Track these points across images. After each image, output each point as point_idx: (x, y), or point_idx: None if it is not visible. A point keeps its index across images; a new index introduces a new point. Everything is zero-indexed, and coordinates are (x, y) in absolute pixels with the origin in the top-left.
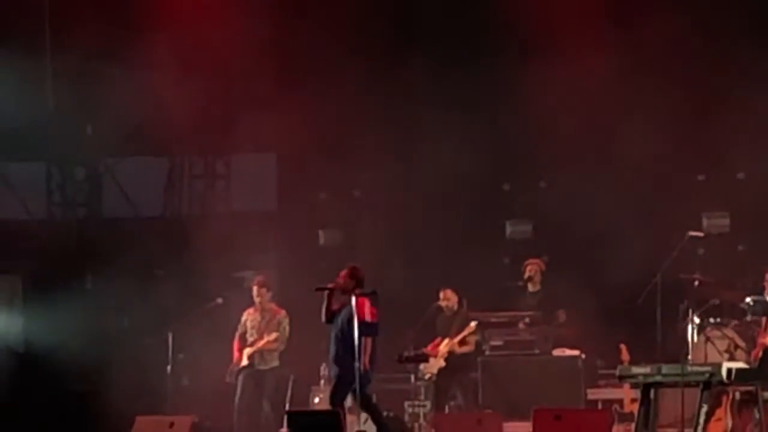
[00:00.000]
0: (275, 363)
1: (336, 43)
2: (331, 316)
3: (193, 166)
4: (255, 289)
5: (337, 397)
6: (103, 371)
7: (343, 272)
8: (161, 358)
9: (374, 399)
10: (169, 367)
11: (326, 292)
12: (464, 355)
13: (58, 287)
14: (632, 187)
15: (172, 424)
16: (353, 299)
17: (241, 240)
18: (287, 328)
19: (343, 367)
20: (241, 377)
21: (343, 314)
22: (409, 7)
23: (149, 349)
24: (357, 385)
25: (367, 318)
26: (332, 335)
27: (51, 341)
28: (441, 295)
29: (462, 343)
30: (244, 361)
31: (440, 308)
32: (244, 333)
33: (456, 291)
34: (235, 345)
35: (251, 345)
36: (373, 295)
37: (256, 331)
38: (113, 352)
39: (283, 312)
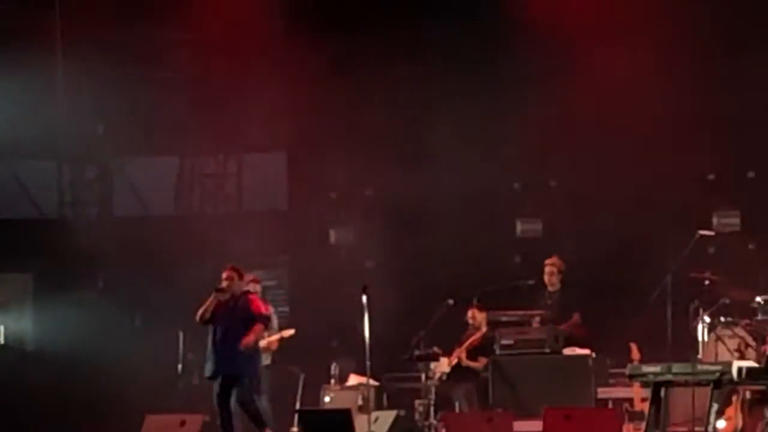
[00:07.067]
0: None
1: (344, 40)
2: (211, 317)
3: (204, 165)
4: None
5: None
6: (113, 370)
7: (232, 274)
8: (172, 357)
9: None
10: (179, 366)
11: (214, 294)
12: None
13: (69, 286)
14: (642, 187)
15: (183, 423)
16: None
17: (252, 239)
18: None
19: (246, 361)
20: None
21: (230, 312)
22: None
23: (160, 349)
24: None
25: (263, 311)
26: (220, 335)
27: (62, 340)
28: (468, 314)
29: (470, 357)
30: None
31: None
32: None
33: (480, 308)
34: None
35: None
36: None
37: None
38: (124, 351)
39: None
